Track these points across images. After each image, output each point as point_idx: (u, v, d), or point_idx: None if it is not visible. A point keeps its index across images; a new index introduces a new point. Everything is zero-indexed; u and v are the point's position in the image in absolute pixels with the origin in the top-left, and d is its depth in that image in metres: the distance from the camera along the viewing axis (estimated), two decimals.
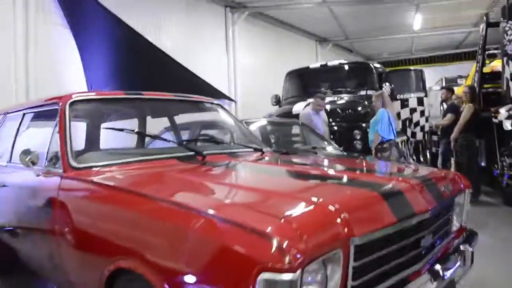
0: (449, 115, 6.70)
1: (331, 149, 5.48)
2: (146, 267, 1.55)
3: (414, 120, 8.08)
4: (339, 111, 7.19)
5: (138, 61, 6.81)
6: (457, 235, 2.30)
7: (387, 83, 7.56)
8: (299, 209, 1.41)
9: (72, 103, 2.65)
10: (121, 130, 2.56)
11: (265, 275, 1.17)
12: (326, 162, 2.58)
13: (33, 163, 2.45)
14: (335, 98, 7.53)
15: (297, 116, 7.08)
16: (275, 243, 1.19)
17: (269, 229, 1.24)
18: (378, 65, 8.14)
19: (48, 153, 2.57)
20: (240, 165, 2.41)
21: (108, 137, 3.42)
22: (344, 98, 7.57)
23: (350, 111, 7.17)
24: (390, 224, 1.52)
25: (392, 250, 1.56)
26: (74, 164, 2.32)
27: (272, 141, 5.54)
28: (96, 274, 1.83)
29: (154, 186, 1.90)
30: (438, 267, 1.80)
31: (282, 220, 1.29)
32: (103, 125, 2.72)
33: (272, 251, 1.18)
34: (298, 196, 1.52)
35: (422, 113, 7.95)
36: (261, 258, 1.18)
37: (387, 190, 1.69)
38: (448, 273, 1.82)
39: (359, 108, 7.23)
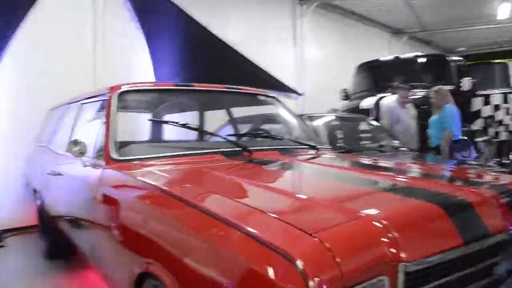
0: None
1: (401, 148, 5.07)
2: (170, 276, 1.41)
3: (497, 118, 7.34)
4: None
5: (205, 55, 6.79)
6: None
7: (467, 78, 6.91)
8: (338, 223, 1.17)
9: (121, 94, 2.61)
10: (165, 122, 2.45)
11: None
12: (387, 164, 2.28)
13: (82, 154, 2.43)
14: None
15: (365, 111, 6.71)
16: (299, 266, 0.97)
17: (294, 250, 1.02)
18: (457, 58, 7.47)
19: (96, 144, 2.55)
20: (288, 164, 2.20)
21: (159, 130, 3.37)
22: (418, 93, 7.04)
23: (423, 107, 6.64)
24: (454, 247, 1.23)
25: (455, 279, 1.27)
26: (115, 156, 2.26)
27: (338, 137, 5.25)
28: (127, 272, 1.75)
29: (187, 186, 1.74)
30: None
31: (315, 237, 1.06)
32: (150, 117, 2.63)
33: (295, 276, 0.97)
34: (340, 207, 1.27)
35: (507, 111, 7.19)
36: (282, 284, 0.97)
37: (453, 203, 1.38)
38: None
39: None
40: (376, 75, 7.88)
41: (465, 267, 1.29)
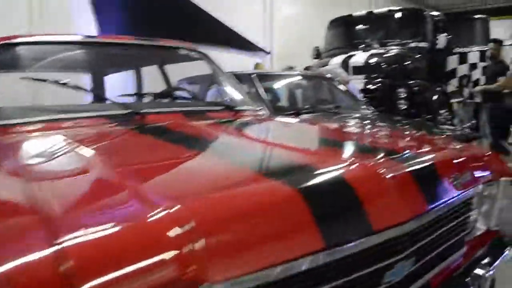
0: (502, 79, 5.37)
1: (363, 110, 4.65)
2: None
3: (474, 78, 6.92)
4: (383, 65, 6.26)
5: (160, 9, 6.21)
6: (479, 243, 1.57)
7: (443, 34, 6.45)
8: (116, 224, 0.76)
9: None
10: (43, 80, 2.00)
11: None
12: (300, 128, 1.88)
13: None
14: (380, 51, 6.57)
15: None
16: None
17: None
18: (435, 13, 6.96)
19: None
20: (176, 131, 1.77)
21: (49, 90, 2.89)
22: (391, 51, 6.59)
23: (395, 65, 6.21)
24: (307, 253, 0.84)
25: None
26: None
27: (298, 98, 4.83)
28: None
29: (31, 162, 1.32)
30: None
31: (57, 247, 0.66)
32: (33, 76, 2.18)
33: None
34: (147, 195, 0.86)
35: (484, 70, 6.75)
36: None
37: (320, 183, 0.96)
38: None
39: (407, 63, 6.26)
40: (348, 32, 7.39)
41: (330, 280, 0.90)
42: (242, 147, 1.44)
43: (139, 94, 2.24)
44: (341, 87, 4.92)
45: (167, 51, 2.67)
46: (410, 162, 1.18)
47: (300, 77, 4.78)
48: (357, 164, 1.06)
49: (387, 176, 1.04)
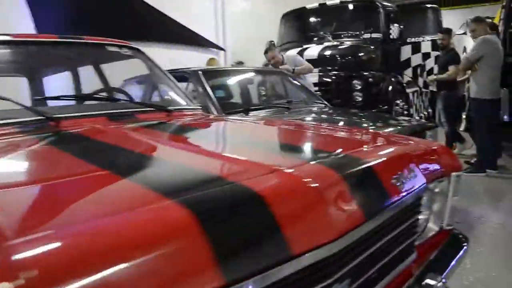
0: (453, 68, 5.38)
1: (317, 104, 4.51)
2: None
3: (427, 68, 6.94)
4: (337, 57, 6.19)
5: (105, 6, 5.87)
6: (432, 245, 1.43)
7: (395, 24, 6.44)
8: None
9: None
10: None
11: None
12: (233, 129, 1.69)
13: None
14: (334, 43, 6.50)
15: None
16: None
17: None
18: (387, 4, 6.93)
19: None
20: (89, 139, 1.54)
21: None
22: (345, 42, 6.53)
23: (349, 57, 6.15)
24: None
25: None
26: None
27: (250, 94, 4.63)
28: None
29: None
30: None
31: None
32: None
33: None
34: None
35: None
36: None
37: (218, 202, 0.77)
38: None
39: (361, 54, 6.20)
40: (302, 25, 7.28)
41: None
42: (152, 156, 1.23)
43: (57, 97, 1.97)
44: (295, 81, 4.75)
45: (95, 49, 2.43)
46: (343, 166, 1.01)
47: (251, 72, 4.58)
48: (277, 172, 0.88)
49: (313, 186, 0.87)
